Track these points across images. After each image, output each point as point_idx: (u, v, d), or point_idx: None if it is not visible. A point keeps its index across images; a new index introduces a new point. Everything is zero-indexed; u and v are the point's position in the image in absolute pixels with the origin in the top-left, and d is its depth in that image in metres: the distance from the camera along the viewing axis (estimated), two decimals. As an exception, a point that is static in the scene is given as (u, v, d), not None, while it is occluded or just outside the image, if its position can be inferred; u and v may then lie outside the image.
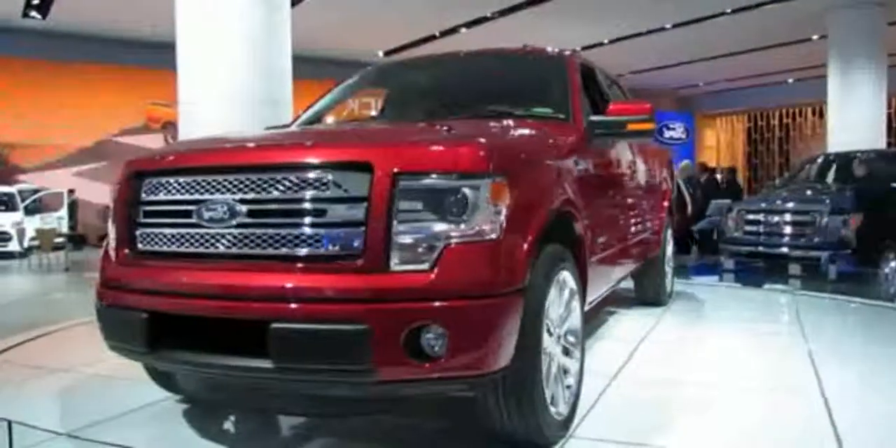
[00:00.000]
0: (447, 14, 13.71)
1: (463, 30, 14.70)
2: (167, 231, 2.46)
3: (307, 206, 2.20)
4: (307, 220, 2.20)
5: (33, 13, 13.20)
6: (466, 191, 2.14)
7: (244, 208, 2.27)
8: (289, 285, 2.16)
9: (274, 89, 6.99)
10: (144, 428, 2.93)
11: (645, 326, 4.80)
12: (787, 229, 7.61)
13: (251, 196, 2.28)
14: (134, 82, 15.77)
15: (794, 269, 7.86)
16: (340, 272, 2.13)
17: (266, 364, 2.13)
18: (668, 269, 5.70)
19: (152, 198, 2.54)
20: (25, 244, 12.22)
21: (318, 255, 2.18)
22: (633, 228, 4.41)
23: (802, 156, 17.07)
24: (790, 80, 21.09)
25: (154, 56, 12.90)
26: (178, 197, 2.44)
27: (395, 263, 2.10)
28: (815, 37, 15.10)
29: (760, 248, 7.81)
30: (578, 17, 13.76)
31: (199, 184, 2.39)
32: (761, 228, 7.83)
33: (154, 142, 15.93)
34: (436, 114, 3.32)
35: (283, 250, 2.22)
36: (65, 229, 12.92)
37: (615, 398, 3.19)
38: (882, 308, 5.86)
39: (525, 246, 2.26)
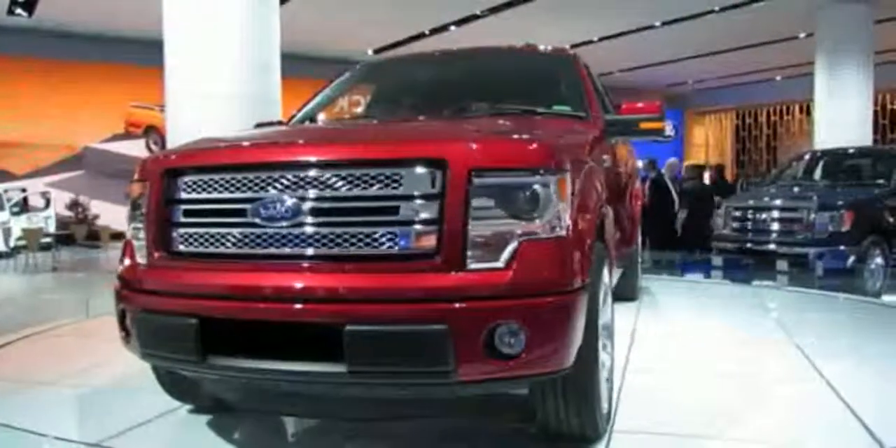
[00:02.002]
0: (437, 12, 13.69)
1: (453, 28, 14.69)
2: (215, 231, 2.29)
3: (379, 203, 2.12)
4: (379, 218, 2.11)
5: (19, 11, 13.08)
6: (538, 187, 2.12)
7: (308, 206, 2.15)
8: (364, 286, 2.07)
9: (263, 87, 6.96)
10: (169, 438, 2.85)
11: (629, 322, 4.82)
12: (775, 226, 7.65)
13: (315, 193, 2.15)
14: (120, 80, 15.64)
15: (782, 265, 7.91)
16: (417, 271, 2.07)
17: (338, 368, 2.04)
18: (639, 265, 5.88)
19: (194, 196, 2.36)
20: (12, 244, 12.13)
21: (392, 255, 2.10)
22: (628, 224, 4.48)
23: (790, 153, 17.17)
24: (778, 78, 21.21)
25: (141, 54, 12.83)
26: (229, 195, 2.27)
27: (471, 262, 2.07)
28: (802, 35, 15.19)
29: (749, 245, 7.85)
30: (568, 14, 13.78)
31: (253, 181, 2.23)
32: (749, 225, 7.87)
33: (132, 148, 15.75)
34: (456, 110, 3.22)
35: (353, 249, 2.11)
36: (52, 229, 12.84)
37: (636, 390, 3.25)
38: (868, 304, 5.91)
39: (588, 242, 2.28)
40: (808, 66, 13.89)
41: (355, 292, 2.07)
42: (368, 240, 2.11)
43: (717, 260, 8.38)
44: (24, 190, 13.83)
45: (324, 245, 2.14)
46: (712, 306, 5.85)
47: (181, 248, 2.37)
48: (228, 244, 2.27)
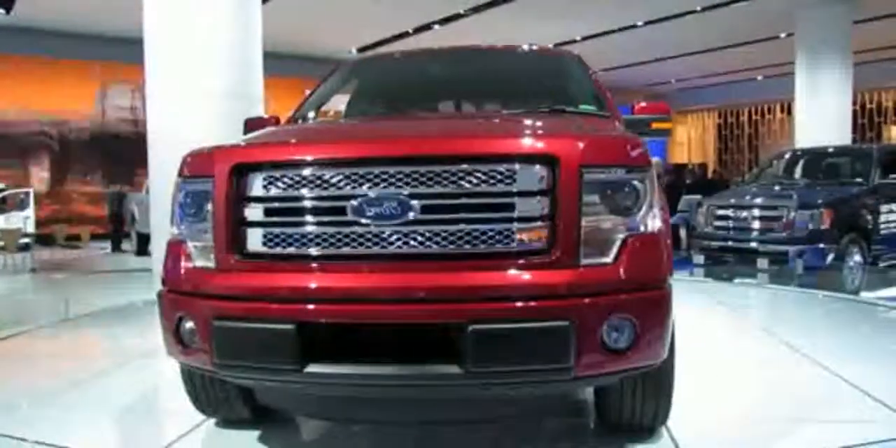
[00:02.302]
0: (421, 11, 13.67)
1: (436, 27, 14.68)
2: (308, 230, 2.14)
3: (493, 200, 2.07)
4: (494, 214, 2.07)
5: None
6: (637, 183, 2.16)
7: (418, 203, 2.06)
8: (487, 284, 2.03)
9: (246, 85, 6.92)
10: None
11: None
12: (756, 224, 7.72)
13: (424, 190, 2.07)
14: (102, 77, 15.44)
15: (763, 263, 7.99)
16: (533, 268, 2.05)
17: (453, 369, 1.99)
18: None
19: (280, 193, 2.18)
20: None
21: (508, 252, 2.06)
22: None
23: (771, 152, 17.33)
24: (759, 78, 21.39)
25: (123, 51, 12.69)
26: (325, 192, 2.13)
27: (583, 257, 2.07)
28: (782, 34, 15.33)
29: (730, 243, 7.91)
30: (551, 14, 13.81)
31: (354, 177, 2.10)
32: (731, 223, 7.94)
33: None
34: (483, 107, 3.15)
35: (467, 247, 2.06)
36: (31, 229, 12.67)
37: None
38: (846, 300, 5.99)
39: (670, 237, 2.32)
40: (789, 65, 14.03)
41: (477, 291, 2.02)
42: (484, 237, 2.07)
43: (699, 258, 8.43)
44: (1, 190, 13.63)
45: (436, 243, 2.07)
46: (694, 302, 5.89)
47: (264, 249, 2.19)
48: (326, 244, 2.12)
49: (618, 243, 2.11)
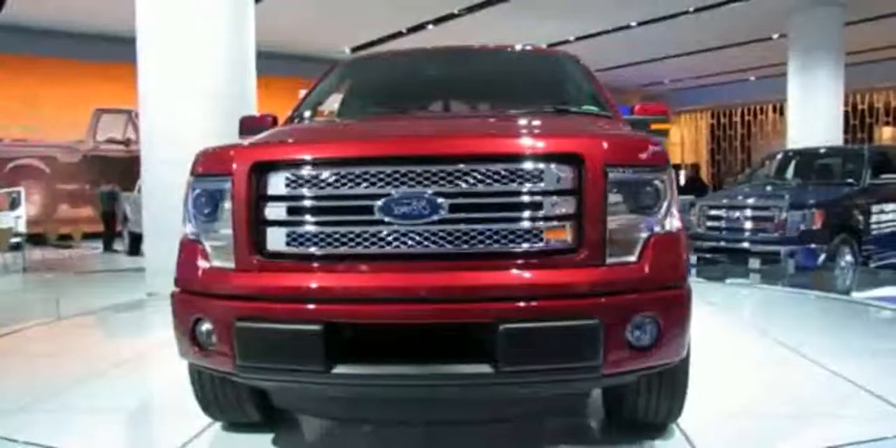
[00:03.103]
0: (414, 10, 13.67)
1: (430, 26, 14.68)
2: (333, 230, 2.11)
3: (522, 199, 2.08)
4: (522, 213, 2.08)
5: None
6: (658, 183, 2.18)
7: (446, 202, 2.05)
8: (517, 283, 2.04)
9: (238, 84, 6.91)
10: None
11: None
12: (748, 224, 7.75)
13: (452, 189, 2.06)
14: (90, 77, 15.34)
15: (755, 263, 8.02)
16: (561, 267, 2.06)
17: (484, 369, 1.99)
18: None
19: (304, 192, 2.14)
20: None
21: (536, 251, 2.07)
22: None
23: (763, 152, 17.42)
24: (752, 78, 21.47)
25: (114, 51, 12.64)
26: (351, 191, 2.10)
27: (609, 256, 2.09)
28: (775, 36, 15.39)
29: (722, 243, 7.94)
30: (545, 14, 13.83)
31: (381, 176, 2.08)
32: (723, 224, 7.97)
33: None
34: (487, 107, 3.13)
35: (496, 246, 2.06)
36: (22, 228, 12.60)
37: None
38: (838, 301, 6.02)
39: (687, 237, 2.35)
40: (782, 66, 14.09)
41: (508, 290, 2.03)
42: (512, 236, 2.07)
43: (691, 258, 8.46)
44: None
45: (464, 242, 2.07)
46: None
47: (287, 249, 2.15)
48: (353, 243, 2.10)
49: (641, 242, 2.14)
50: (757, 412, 3.03)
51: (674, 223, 2.23)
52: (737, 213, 7.87)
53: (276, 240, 2.17)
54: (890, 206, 8.03)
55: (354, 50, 16.41)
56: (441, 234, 2.07)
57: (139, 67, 6.77)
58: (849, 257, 7.32)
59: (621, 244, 2.11)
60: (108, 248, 13.12)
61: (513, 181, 2.08)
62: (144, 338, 4.97)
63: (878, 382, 3.33)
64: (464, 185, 2.07)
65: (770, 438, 2.73)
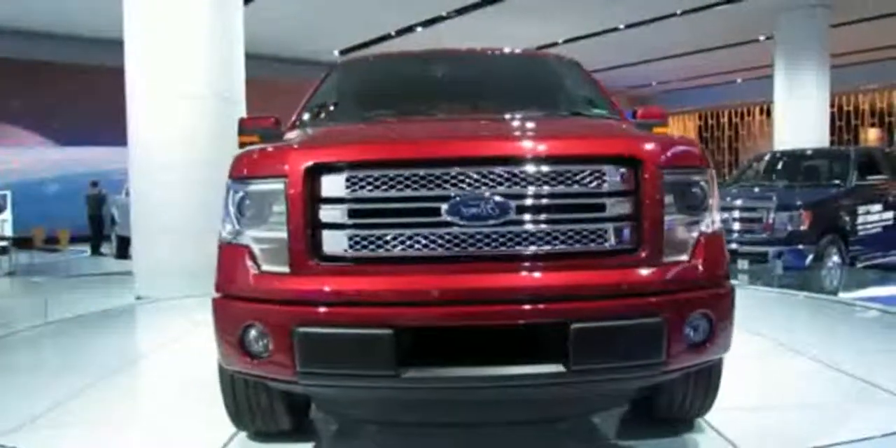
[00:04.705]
0: (403, 13, 13.68)
1: (419, 29, 14.69)
2: (398, 232, 2.08)
3: (586, 200, 2.12)
4: (588, 214, 2.11)
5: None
6: (704, 184, 2.26)
7: (514, 204, 2.06)
8: (587, 283, 2.07)
9: (227, 87, 6.89)
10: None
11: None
12: (736, 226, 7.79)
13: (520, 190, 2.07)
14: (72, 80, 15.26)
15: (743, 264, 8.07)
16: (625, 267, 2.11)
17: (557, 368, 2.01)
18: None
19: (365, 194, 2.09)
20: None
21: (601, 251, 2.11)
22: None
23: (751, 153, 17.53)
24: (739, 80, 21.64)
25: (97, 52, 12.58)
26: (416, 193, 2.08)
27: (666, 255, 2.15)
28: (762, 38, 15.52)
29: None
30: (533, 16, 13.88)
31: (448, 177, 2.07)
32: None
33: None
34: (496, 110, 3.13)
35: (563, 247, 2.09)
36: (9, 232, 12.50)
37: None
38: (827, 301, 6.07)
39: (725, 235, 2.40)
40: (768, 68, 14.21)
41: (577, 290, 2.06)
42: (578, 236, 2.11)
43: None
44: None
45: (532, 243, 2.08)
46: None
47: (350, 252, 2.10)
48: (419, 246, 2.07)
49: (692, 241, 2.21)
50: (775, 405, 3.11)
51: (718, 222, 2.31)
52: (725, 214, 7.91)
53: (335, 243, 2.11)
54: (876, 207, 8.10)
55: (343, 52, 16.40)
56: (509, 235, 2.08)
57: (126, 69, 6.74)
58: (836, 258, 7.37)
59: (676, 244, 2.18)
60: (95, 251, 13.04)
61: (577, 183, 2.11)
62: (134, 344, 4.94)
63: (871, 376, 3.41)
64: (530, 186, 2.09)
65: (798, 429, 2.79)
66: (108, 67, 10.11)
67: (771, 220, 7.35)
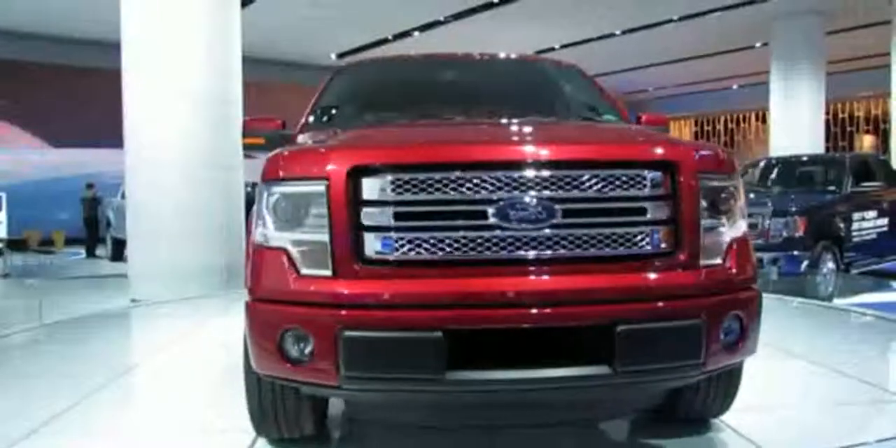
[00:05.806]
0: (401, 17, 13.71)
1: (416, 33, 14.73)
2: (446, 235, 2.08)
3: (629, 204, 2.16)
4: (630, 218, 2.16)
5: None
6: (733, 189, 2.33)
7: (560, 207, 2.09)
8: (631, 285, 2.12)
9: (224, 87, 6.89)
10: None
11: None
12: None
13: (565, 194, 2.10)
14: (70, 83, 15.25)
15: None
16: (666, 270, 2.16)
17: (603, 370, 2.04)
18: None
19: (414, 197, 2.08)
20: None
21: (642, 254, 2.16)
22: None
23: (746, 160, 17.60)
24: (735, 87, 21.73)
25: (93, 54, 12.57)
26: (462, 196, 2.08)
27: (703, 259, 2.20)
28: (757, 44, 15.59)
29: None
30: (529, 22, 13.92)
31: (495, 181, 2.08)
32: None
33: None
34: (506, 115, 3.12)
35: (607, 250, 2.13)
36: (3, 234, 12.46)
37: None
38: (823, 307, 6.08)
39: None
40: (764, 75, 14.27)
41: (623, 292, 2.09)
42: (621, 240, 2.14)
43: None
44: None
45: (577, 246, 2.12)
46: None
47: (395, 255, 2.08)
48: (467, 249, 2.07)
49: (725, 245, 2.27)
50: (788, 404, 3.16)
51: (745, 226, 2.38)
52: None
53: (379, 245, 2.09)
54: (871, 214, 8.12)
55: (341, 56, 16.42)
56: (555, 238, 2.11)
57: (123, 71, 6.73)
58: (831, 264, 7.38)
59: (711, 247, 2.23)
60: (90, 253, 13.00)
61: (619, 187, 2.15)
62: (133, 348, 4.91)
63: (878, 379, 3.50)
64: (575, 190, 2.12)
65: (817, 428, 2.84)
66: (103, 69, 10.12)
67: (766, 227, 7.37)
